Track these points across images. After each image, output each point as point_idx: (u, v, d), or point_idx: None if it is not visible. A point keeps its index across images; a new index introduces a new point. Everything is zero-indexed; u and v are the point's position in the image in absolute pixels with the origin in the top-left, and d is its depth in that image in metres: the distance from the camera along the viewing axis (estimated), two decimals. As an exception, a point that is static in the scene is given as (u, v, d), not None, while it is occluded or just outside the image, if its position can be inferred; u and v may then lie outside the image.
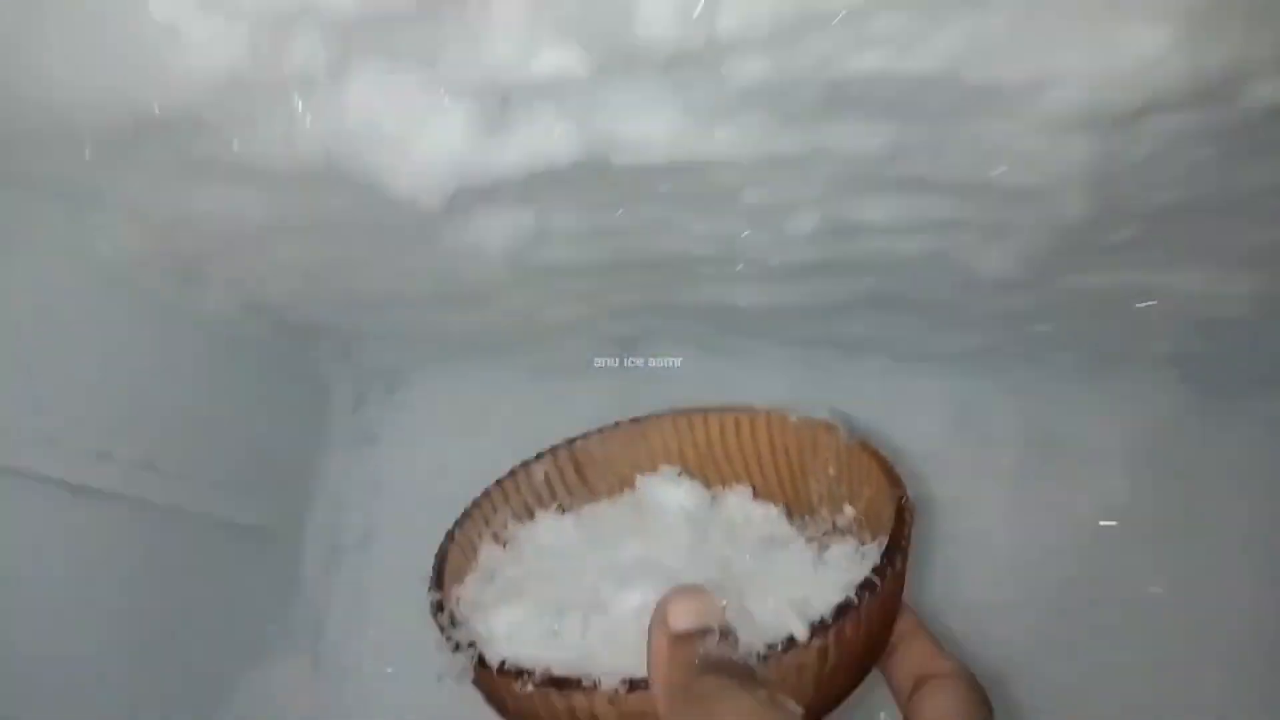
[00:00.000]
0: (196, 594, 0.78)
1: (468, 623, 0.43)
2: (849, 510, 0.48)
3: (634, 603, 0.40)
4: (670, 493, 0.51)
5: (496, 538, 0.51)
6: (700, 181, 0.62)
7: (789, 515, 0.51)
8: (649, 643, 0.34)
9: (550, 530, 0.51)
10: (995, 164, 0.57)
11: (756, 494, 0.52)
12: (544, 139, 0.57)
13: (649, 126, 0.56)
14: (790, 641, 0.34)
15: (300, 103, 0.51)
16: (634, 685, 0.34)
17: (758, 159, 0.58)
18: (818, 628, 0.35)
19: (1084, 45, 0.47)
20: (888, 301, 0.81)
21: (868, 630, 0.37)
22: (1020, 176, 0.58)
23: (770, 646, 0.34)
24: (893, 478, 0.44)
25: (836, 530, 0.48)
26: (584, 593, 0.42)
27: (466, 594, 0.46)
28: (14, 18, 0.45)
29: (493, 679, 0.37)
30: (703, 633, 0.34)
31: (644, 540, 0.47)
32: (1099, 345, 0.85)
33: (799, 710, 0.31)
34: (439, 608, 0.44)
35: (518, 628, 0.42)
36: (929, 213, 0.65)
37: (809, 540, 0.48)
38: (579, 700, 0.35)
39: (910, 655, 0.40)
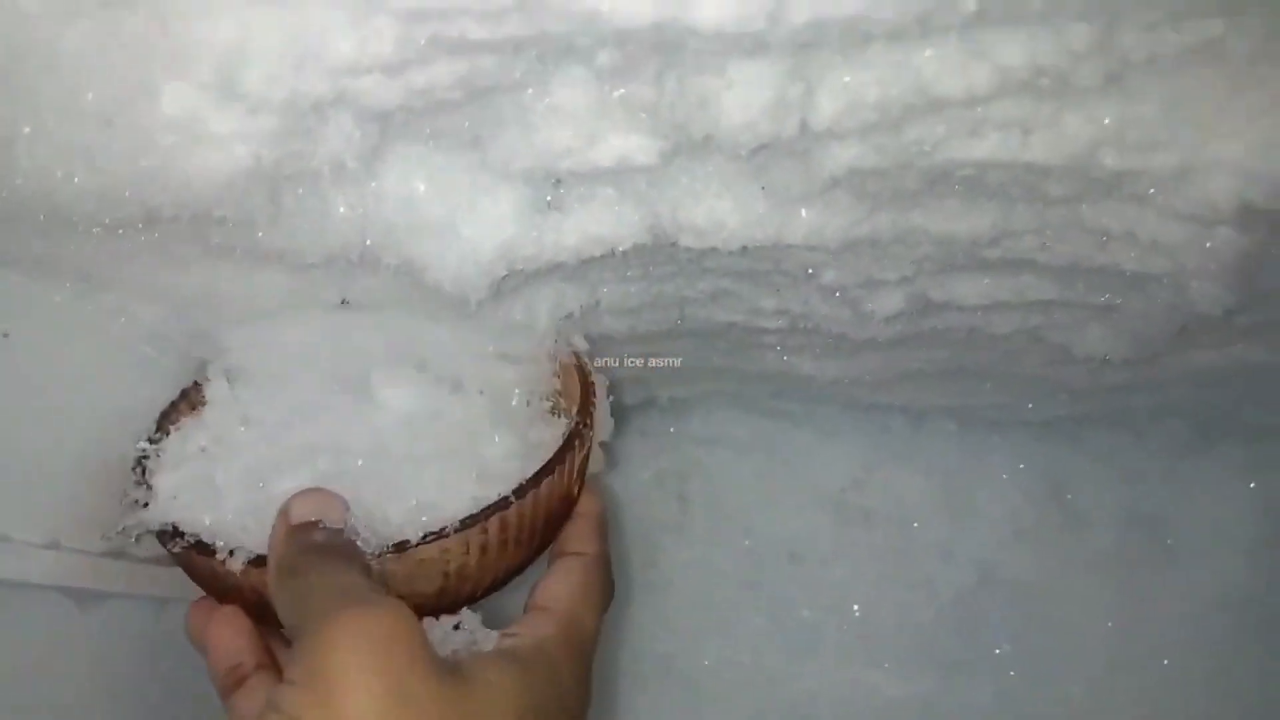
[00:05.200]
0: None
1: (151, 478, 0.48)
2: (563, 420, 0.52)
3: (285, 487, 0.43)
4: (395, 393, 0.53)
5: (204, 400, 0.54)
6: (774, 262, 0.56)
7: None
8: (273, 527, 0.40)
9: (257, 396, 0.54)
10: (1117, 250, 0.50)
11: None
12: (603, 222, 0.50)
13: (722, 210, 0.50)
14: (402, 544, 0.40)
15: (331, 192, 0.45)
16: (260, 560, 0.41)
17: (843, 242, 0.52)
18: (432, 536, 0.40)
19: (1244, 136, 0.40)
20: (967, 373, 0.74)
21: (505, 538, 0.42)
22: (1146, 262, 0.51)
23: (387, 546, 0.40)
24: (585, 406, 0.50)
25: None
26: (256, 466, 0.48)
27: (167, 448, 0.50)
28: (3, 110, 0.40)
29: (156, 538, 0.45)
30: (315, 524, 0.39)
31: (337, 423, 0.51)
32: (1209, 413, 0.77)
33: (381, 590, 0.37)
34: (139, 462, 0.49)
35: (183, 489, 0.47)
36: (1028, 293, 0.58)
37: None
38: (218, 565, 0.42)
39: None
